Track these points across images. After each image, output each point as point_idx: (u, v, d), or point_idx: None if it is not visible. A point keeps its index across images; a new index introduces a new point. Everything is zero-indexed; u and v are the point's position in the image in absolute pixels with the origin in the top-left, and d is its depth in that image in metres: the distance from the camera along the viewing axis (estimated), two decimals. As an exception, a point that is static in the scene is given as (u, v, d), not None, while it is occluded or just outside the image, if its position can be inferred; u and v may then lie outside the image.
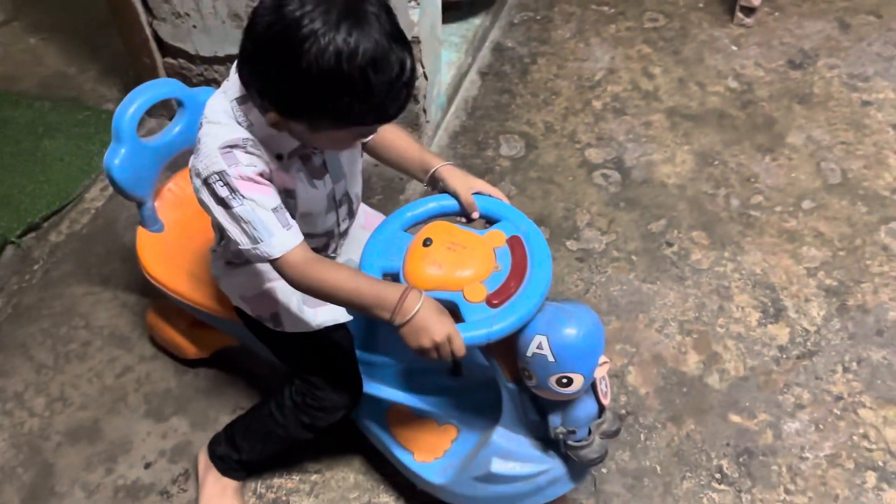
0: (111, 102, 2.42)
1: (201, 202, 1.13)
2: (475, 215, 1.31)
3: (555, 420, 1.25)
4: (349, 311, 1.33)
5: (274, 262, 1.12)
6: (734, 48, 2.61)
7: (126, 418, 1.71)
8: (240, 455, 1.50)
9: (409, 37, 1.86)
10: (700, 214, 2.11)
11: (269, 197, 1.11)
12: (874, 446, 1.66)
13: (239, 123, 1.11)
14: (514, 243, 1.23)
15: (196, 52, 2.17)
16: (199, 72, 2.23)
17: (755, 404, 1.73)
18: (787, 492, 1.58)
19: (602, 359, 1.20)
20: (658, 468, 1.62)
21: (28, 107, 2.41)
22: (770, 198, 2.15)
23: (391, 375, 1.49)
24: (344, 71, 0.96)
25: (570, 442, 1.24)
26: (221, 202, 1.10)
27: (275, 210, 1.11)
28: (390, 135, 1.35)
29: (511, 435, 1.31)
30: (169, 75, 2.28)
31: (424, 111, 2.11)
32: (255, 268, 1.34)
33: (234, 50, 2.33)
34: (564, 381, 1.16)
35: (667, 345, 1.83)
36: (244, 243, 1.10)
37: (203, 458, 1.56)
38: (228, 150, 1.09)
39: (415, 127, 2.13)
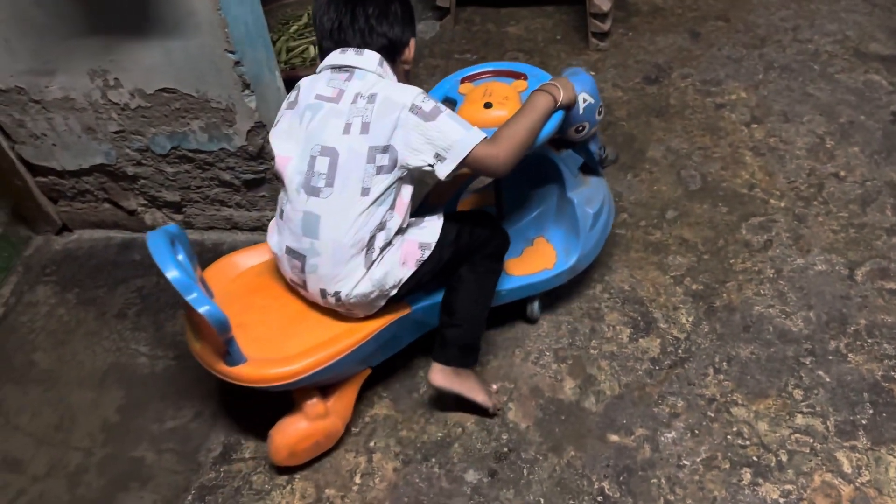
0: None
1: (404, 128, 1.46)
2: None
3: (594, 147, 1.83)
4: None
5: (477, 147, 1.46)
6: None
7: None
8: (468, 339, 1.73)
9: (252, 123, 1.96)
10: (568, 241, 2.16)
11: None
12: (748, 442, 1.70)
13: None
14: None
15: (62, 167, 2.22)
16: (72, 185, 2.28)
17: (632, 420, 1.77)
18: (667, 503, 1.62)
19: None
20: (542, 501, 1.65)
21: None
22: (634, 214, 2.22)
23: None
24: None
25: (603, 156, 1.89)
26: (433, 110, 1.46)
27: None
28: None
29: (579, 189, 1.85)
30: (43, 193, 2.33)
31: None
32: (400, 239, 1.60)
33: (97, 160, 2.36)
34: (601, 110, 1.73)
35: (543, 375, 1.87)
36: (461, 135, 1.46)
37: (442, 378, 1.72)
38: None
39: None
